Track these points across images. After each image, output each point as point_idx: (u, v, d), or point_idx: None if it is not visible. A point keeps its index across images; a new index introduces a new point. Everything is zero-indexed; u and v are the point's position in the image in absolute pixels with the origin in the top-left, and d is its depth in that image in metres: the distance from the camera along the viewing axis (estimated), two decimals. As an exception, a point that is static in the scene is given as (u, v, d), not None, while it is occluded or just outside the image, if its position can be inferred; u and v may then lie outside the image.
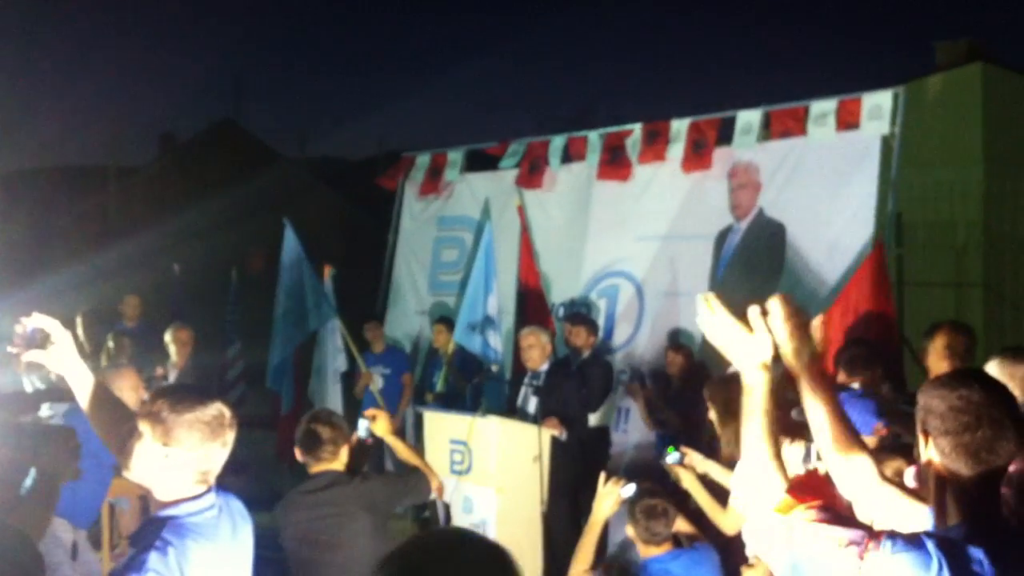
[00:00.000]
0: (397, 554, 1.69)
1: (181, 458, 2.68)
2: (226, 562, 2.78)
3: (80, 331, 9.27)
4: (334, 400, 10.01)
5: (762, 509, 2.38)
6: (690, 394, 7.66)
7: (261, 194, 27.56)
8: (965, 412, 2.32)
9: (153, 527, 2.71)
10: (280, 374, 9.89)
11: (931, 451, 2.37)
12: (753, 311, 2.51)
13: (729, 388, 5.05)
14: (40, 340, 3.10)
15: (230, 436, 2.74)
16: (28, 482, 3.42)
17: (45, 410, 7.95)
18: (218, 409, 2.72)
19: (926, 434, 2.38)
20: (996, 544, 2.27)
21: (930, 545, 2.20)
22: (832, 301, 7.78)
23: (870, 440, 4.18)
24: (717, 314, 2.53)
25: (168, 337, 8.64)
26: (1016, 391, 2.97)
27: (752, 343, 2.50)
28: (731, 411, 4.89)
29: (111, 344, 8.89)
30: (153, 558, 2.60)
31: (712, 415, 5.15)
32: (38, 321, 3.11)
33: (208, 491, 2.76)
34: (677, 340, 8.28)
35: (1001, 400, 2.37)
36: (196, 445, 2.67)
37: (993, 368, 3.20)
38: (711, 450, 5.27)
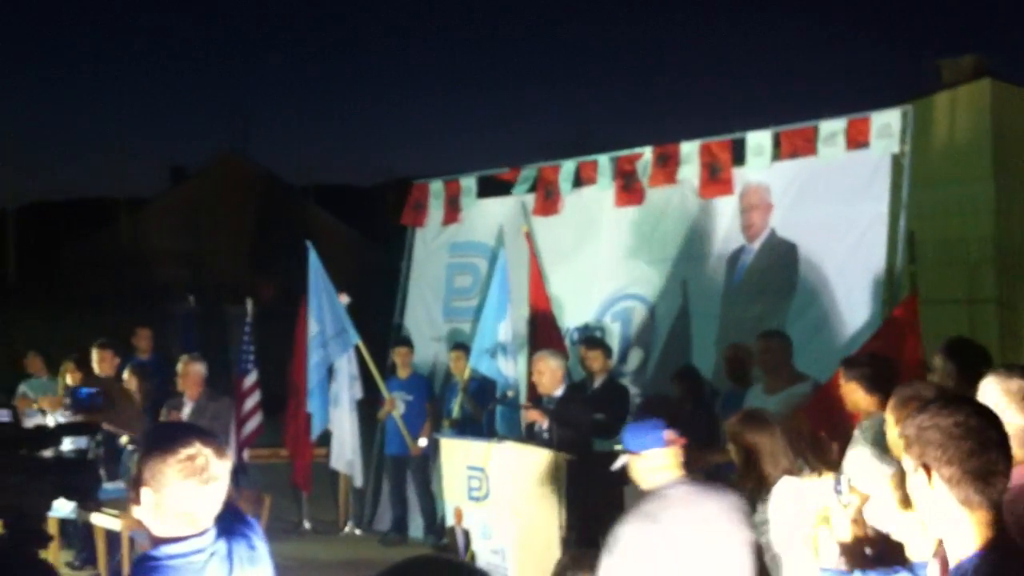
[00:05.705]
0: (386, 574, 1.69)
1: (159, 498, 2.62)
2: None
3: (95, 363, 9.30)
4: (351, 428, 10.03)
5: None
6: (699, 421, 7.56)
7: (271, 223, 27.72)
8: (966, 438, 2.32)
9: (136, 567, 2.68)
10: (314, 399, 9.93)
11: (936, 484, 2.35)
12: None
13: (753, 432, 4.95)
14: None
15: (211, 475, 2.64)
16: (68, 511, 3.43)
17: (67, 444, 8.01)
18: (195, 448, 2.63)
19: (927, 468, 2.36)
20: (1018, 566, 2.30)
21: None
22: (845, 325, 7.81)
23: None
24: None
25: (180, 369, 8.65)
26: (1014, 406, 2.98)
27: None
28: (752, 458, 4.77)
29: (126, 376, 8.95)
30: None
31: (733, 455, 4.92)
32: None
33: (202, 534, 2.67)
34: (686, 373, 8.06)
35: (994, 422, 2.39)
36: (170, 485, 2.61)
37: (989, 384, 3.17)
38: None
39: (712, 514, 4.03)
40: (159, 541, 2.66)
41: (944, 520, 2.37)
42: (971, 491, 2.30)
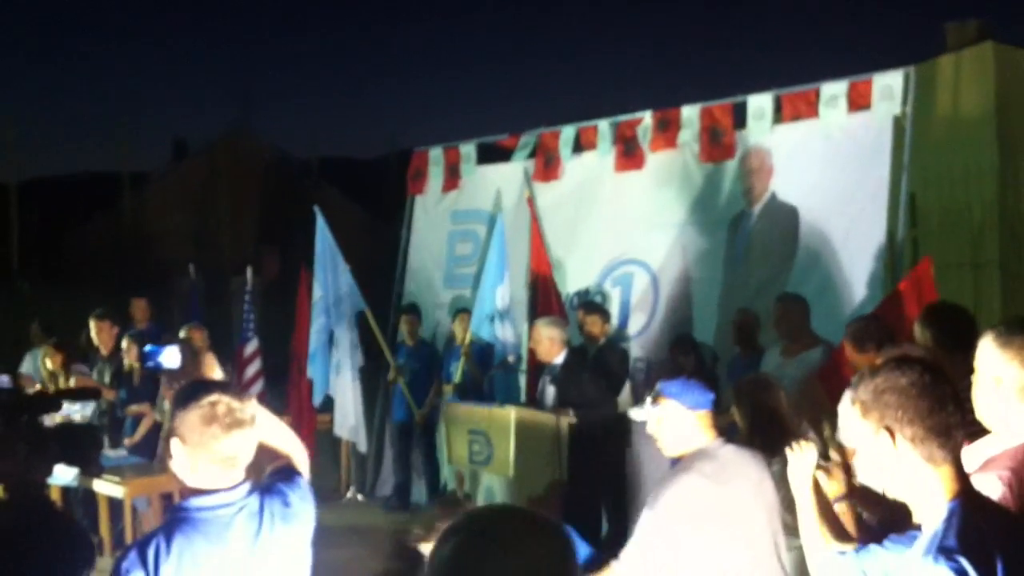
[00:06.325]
0: (465, 522, 1.67)
1: (188, 449, 2.72)
2: (226, 565, 2.73)
3: (94, 335, 9.30)
4: (354, 396, 10.02)
5: None
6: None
7: (276, 198, 27.70)
8: (923, 396, 2.35)
9: (168, 517, 2.77)
10: (314, 364, 9.90)
11: (900, 445, 2.37)
12: None
13: (758, 393, 4.95)
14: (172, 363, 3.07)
15: (233, 420, 2.71)
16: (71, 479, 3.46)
17: (67, 409, 8.02)
18: (215, 397, 2.72)
19: (890, 430, 2.38)
20: (989, 513, 2.35)
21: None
22: (847, 288, 7.78)
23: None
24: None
25: (182, 338, 8.64)
26: (1016, 362, 2.91)
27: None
28: (761, 422, 4.76)
29: (125, 346, 8.94)
30: (135, 550, 2.67)
31: (738, 418, 4.94)
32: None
33: (233, 488, 2.76)
34: (685, 342, 8.10)
35: (945, 378, 2.41)
36: (195, 433, 2.69)
37: (987, 344, 3.09)
38: None
39: (758, 477, 3.97)
40: (190, 493, 2.75)
41: (911, 480, 2.40)
42: (934, 447, 2.34)
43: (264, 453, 3.07)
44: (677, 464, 3.93)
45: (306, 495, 2.97)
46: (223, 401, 2.71)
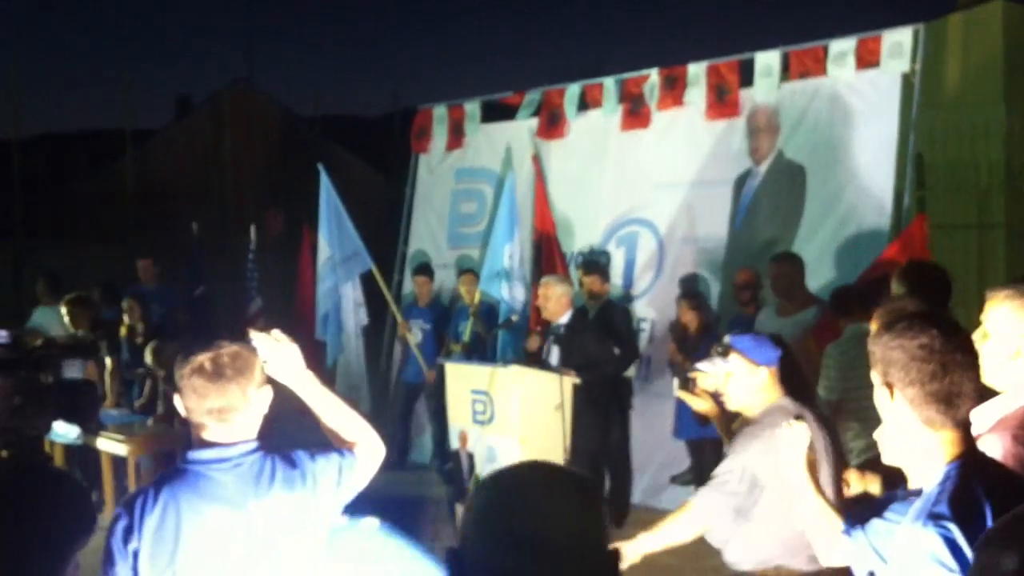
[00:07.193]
0: (495, 478, 1.67)
1: (183, 403, 2.75)
2: (208, 521, 2.69)
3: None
4: (357, 354, 10.00)
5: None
6: (705, 348, 7.56)
7: (277, 154, 27.56)
8: (929, 360, 2.30)
9: (167, 468, 2.83)
10: (325, 325, 9.84)
11: (898, 402, 2.35)
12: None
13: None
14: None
15: (214, 372, 2.70)
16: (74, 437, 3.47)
17: (67, 367, 8.02)
18: (205, 350, 2.72)
19: (890, 386, 2.36)
20: (991, 477, 2.30)
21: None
22: (853, 248, 7.74)
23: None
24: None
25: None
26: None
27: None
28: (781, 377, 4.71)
29: (126, 306, 8.95)
30: (125, 502, 2.74)
31: None
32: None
33: (231, 444, 2.73)
34: (691, 294, 8.07)
35: (962, 343, 2.35)
36: (182, 384, 2.72)
37: (1002, 306, 2.99)
38: None
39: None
40: (193, 448, 2.77)
41: (907, 438, 2.38)
42: (933, 412, 2.31)
43: (333, 438, 3.00)
44: (759, 420, 3.86)
45: (330, 466, 2.85)
46: (208, 354, 2.70)
